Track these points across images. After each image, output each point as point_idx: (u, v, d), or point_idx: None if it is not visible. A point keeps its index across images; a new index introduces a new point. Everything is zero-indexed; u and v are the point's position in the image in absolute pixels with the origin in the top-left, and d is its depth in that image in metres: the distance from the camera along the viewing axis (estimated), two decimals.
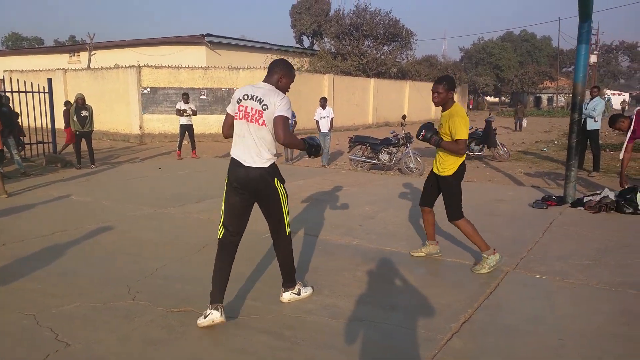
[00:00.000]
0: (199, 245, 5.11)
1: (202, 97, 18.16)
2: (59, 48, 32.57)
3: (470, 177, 10.51)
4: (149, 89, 17.94)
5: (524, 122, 23.87)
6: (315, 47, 36.43)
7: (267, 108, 3.33)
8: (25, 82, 12.08)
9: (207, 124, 17.82)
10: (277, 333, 3.27)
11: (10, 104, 10.58)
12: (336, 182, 9.23)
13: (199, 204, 7.11)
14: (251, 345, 3.13)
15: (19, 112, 11.17)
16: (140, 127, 18.02)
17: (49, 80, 11.71)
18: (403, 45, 31.81)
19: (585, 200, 6.92)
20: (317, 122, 12.09)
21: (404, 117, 11.90)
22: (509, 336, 3.27)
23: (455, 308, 3.67)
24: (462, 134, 4.14)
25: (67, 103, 12.86)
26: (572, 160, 7.22)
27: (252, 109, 3.37)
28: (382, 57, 30.53)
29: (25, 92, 11.25)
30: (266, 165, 3.41)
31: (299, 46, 37.33)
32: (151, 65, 18.43)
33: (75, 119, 10.65)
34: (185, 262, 4.66)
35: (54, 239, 5.28)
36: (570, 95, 12.59)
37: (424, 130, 4.33)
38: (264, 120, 3.35)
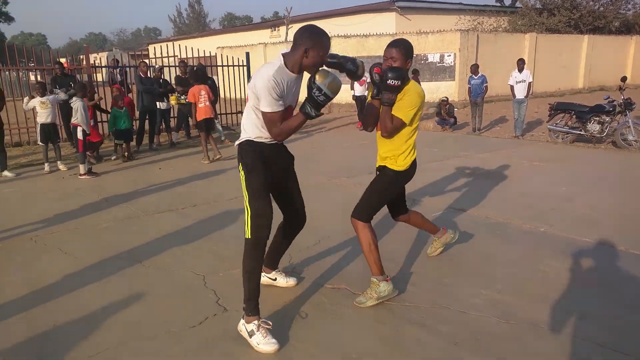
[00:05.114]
0: None
1: None
2: (262, 24, 35.54)
3: None
4: None
5: None
6: (518, 4, 32.92)
7: (252, 87, 2.75)
8: (230, 57, 13.37)
9: None
10: (431, 327, 2.90)
11: (215, 77, 11.79)
12: (529, 155, 8.15)
13: (371, 175, 6.89)
14: (399, 336, 2.83)
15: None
16: None
17: (247, 54, 12.73)
18: None
19: None
20: (512, 87, 10.79)
21: (623, 79, 9.91)
22: None
23: None
24: (405, 114, 3.05)
25: None
26: None
27: None
28: (601, 8, 26.04)
29: (227, 65, 12.42)
30: (239, 142, 2.91)
31: (498, 4, 34.18)
32: (341, 35, 18.78)
33: None
34: (348, 235, 4.50)
35: (234, 204, 5.65)
36: None
37: (397, 81, 2.93)
38: (248, 96, 2.85)
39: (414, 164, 3.28)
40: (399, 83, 2.93)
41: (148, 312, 3.18)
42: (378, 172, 3.35)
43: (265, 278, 3.43)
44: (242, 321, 2.81)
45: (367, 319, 3.02)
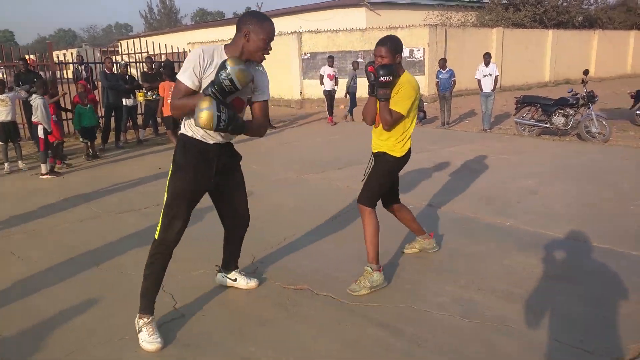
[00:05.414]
0: (330, 215, 4.86)
1: (360, 59, 17.82)
2: (234, 20, 35.04)
3: None
4: (308, 55, 18.21)
5: None
6: None
7: None
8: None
9: (365, 86, 17.56)
10: (395, 328, 2.85)
11: None
12: (497, 149, 8.23)
13: (340, 171, 6.88)
14: (363, 338, 2.76)
15: None
16: (301, 93, 18.52)
17: None
18: None
19: None
20: (479, 81, 10.88)
21: (586, 72, 10.08)
22: None
23: None
24: (403, 107, 3.24)
25: None
26: None
27: None
28: (565, 4, 26.58)
29: None
30: (180, 133, 2.83)
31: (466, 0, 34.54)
32: (311, 31, 18.65)
33: None
34: (314, 232, 4.45)
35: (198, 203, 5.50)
36: None
37: (388, 77, 3.11)
38: None
39: (409, 151, 3.43)
40: (390, 79, 3.12)
41: (104, 317, 3.06)
42: (375, 158, 3.47)
43: (225, 279, 3.37)
44: (138, 315, 2.81)
45: (329, 321, 2.95)
